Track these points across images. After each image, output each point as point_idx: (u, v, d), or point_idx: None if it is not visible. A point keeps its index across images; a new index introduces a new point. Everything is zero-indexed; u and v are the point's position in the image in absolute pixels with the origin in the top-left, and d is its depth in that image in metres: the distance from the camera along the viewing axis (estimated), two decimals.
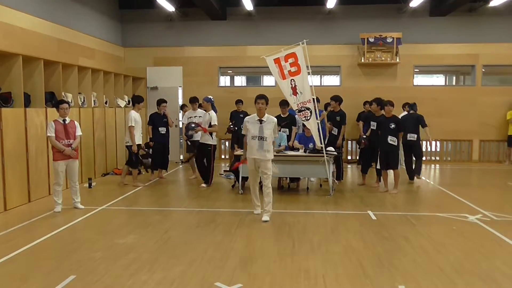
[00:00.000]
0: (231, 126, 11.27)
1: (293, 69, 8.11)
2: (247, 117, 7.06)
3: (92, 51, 11.81)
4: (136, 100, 9.51)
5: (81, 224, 6.56)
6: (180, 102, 13.82)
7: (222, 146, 13.66)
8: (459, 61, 13.40)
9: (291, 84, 8.17)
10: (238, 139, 11.33)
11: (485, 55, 13.14)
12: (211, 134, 9.16)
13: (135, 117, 9.20)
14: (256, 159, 6.70)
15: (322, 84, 15.01)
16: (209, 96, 9.43)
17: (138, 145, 9.27)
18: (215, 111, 9.37)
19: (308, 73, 8.18)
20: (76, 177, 7.33)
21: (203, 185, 9.31)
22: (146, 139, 10.40)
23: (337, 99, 9.82)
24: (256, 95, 6.81)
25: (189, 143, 10.45)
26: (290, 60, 8.09)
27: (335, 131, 9.70)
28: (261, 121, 6.71)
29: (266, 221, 6.57)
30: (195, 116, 10.18)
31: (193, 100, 10.38)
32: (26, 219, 6.66)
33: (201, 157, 9.40)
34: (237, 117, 11.61)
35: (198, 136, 9.56)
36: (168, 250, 5.29)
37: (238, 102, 11.84)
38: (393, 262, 4.87)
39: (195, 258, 4.98)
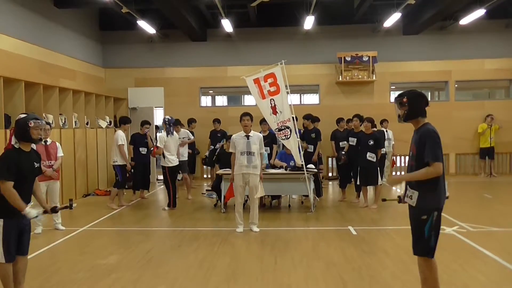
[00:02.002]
0: (206, 157, 11.75)
1: (272, 88, 8.28)
2: (234, 135, 7.30)
3: (73, 72, 11.82)
4: (122, 121, 9.55)
5: (62, 245, 6.52)
6: (156, 122, 13.73)
7: (205, 167, 13.64)
8: (433, 78, 13.84)
9: (271, 104, 8.33)
10: (219, 158, 11.41)
11: (457, 71, 13.61)
12: (163, 156, 8.99)
13: (123, 136, 9.24)
14: (244, 174, 6.96)
15: (301, 103, 15.24)
16: (167, 116, 9.31)
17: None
18: (169, 133, 9.04)
19: (287, 93, 8.37)
20: (57, 198, 7.28)
21: (165, 207, 9.00)
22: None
23: (309, 117, 10.24)
24: (241, 113, 7.16)
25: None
26: (269, 80, 8.26)
27: (310, 148, 9.98)
28: (248, 136, 7.01)
29: (256, 232, 6.96)
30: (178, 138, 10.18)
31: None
32: None
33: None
34: (215, 136, 11.72)
35: (181, 157, 9.69)
36: (151, 269, 5.30)
37: (215, 121, 11.98)
38: (373, 276, 4.99)
39: (178, 277, 5.01)
